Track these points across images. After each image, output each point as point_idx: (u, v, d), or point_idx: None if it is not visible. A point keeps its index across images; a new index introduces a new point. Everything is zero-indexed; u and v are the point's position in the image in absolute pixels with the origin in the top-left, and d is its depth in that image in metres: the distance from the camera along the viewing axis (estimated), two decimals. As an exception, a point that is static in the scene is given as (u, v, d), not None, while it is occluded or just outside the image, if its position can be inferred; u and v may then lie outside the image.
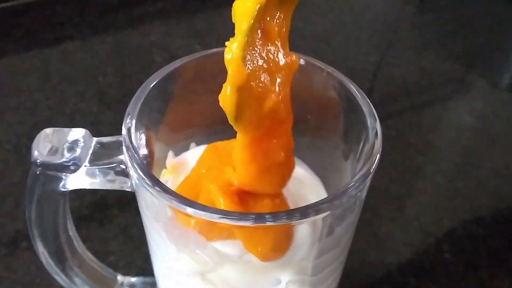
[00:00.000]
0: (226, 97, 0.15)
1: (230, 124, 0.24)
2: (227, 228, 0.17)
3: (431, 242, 0.35)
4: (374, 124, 0.19)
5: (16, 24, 0.54)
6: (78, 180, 0.19)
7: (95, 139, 0.19)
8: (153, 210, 0.18)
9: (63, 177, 0.18)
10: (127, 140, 0.17)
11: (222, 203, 0.18)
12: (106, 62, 0.49)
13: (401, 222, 0.36)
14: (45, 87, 0.46)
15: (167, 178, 0.22)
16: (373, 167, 0.18)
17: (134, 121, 0.18)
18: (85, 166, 0.18)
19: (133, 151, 0.17)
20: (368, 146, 0.19)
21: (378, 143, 0.18)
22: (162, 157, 0.22)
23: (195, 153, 0.22)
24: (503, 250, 0.35)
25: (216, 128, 0.23)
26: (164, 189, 0.16)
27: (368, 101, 0.19)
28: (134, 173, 0.16)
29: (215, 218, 0.15)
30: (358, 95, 0.20)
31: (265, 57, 0.17)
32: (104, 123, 0.43)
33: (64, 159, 0.18)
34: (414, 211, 0.37)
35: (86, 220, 0.36)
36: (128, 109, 0.18)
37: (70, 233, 0.22)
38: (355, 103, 0.20)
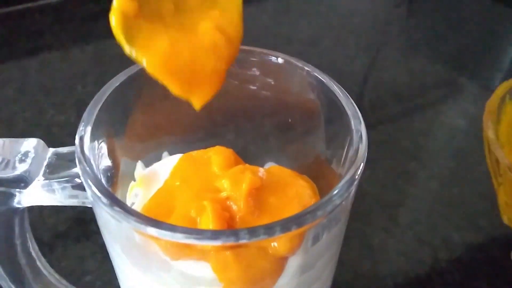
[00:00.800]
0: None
1: (207, 132, 0.22)
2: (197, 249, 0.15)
3: (427, 251, 0.33)
4: (358, 127, 0.17)
5: (-7, 34, 0.52)
6: (34, 195, 0.17)
7: (51, 149, 0.17)
8: (111, 230, 0.16)
9: (16, 193, 0.17)
10: (79, 151, 0.15)
11: (211, 222, 0.16)
12: (85, 72, 0.48)
13: (395, 231, 0.35)
14: (22, 98, 0.44)
15: (137, 191, 0.20)
16: (358, 172, 0.16)
17: (89, 129, 0.16)
18: (38, 180, 0.16)
19: (85, 164, 0.15)
20: (353, 151, 0.17)
21: (363, 147, 0.16)
22: (130, 168, 0.20)
23: (168, 163, 0.21)
24: (502, 257, 0.33)
25: (192, 136, 0.22)
26: (122, 208, 0.14)
27: (352, 101, 0.18)
28: (88, 189, 0.15)
29: (180, 238, 0.13)
30: (341, 95, 0.18)
31: None
32: (83, 134, 0.41)
33: (15, 173, 0.16)
34: (408, 219, 0.36)
35: (62, 237, 0.34)
36: (84, 115, 0.16)
37: (33, 254, 0.20)
38: (338, 104, 0.18)
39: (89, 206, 0.17)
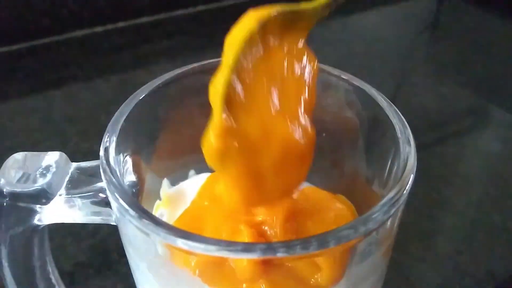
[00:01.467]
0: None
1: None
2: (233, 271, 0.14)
3: (470, 283, 0.31)
4: (405, 141, 0.15)
5: (20, 66, 0.53)
6: (55, 212, 0.16)
7: (73, 164, 0.16)
8: (137, 247, 0.14)
9: (37, 209, 0.15)
10: (104, 162, 0.14)
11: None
12: (109, 101, 0.48)
13: (434, 262, 0.32)
14: (47, 127, 0.44)
15: (162, 211, 0.19)
16: (406, 188, 0.15)
17: (114, 139, 0.15)
18: (60, 195, 0.15)
19: (111, 175, 0.14)
20: (398, 166, 0.15)
21: (412, 161, 0.15)
22: (156, 186, 0.19)
23: (194, 183, 0.19)
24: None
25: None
26: (151, 219, 0.13)
27: (398, 111, 0.16)
28: (114, 202, 0.13)
29: (212, 251, 0.12)
30: (385, 103, 0.17)
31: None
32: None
33: (36, 187, 0.15)
34: (447, 249, 0.33)
35: (83, 267, 0.32)
36: (109, 126, 0.15)
37: (52, 280, 0.19)
38: (381, 115, 0.17)
39: (113, 223, 0.16)
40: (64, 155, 0.16)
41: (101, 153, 0.15)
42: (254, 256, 0.12)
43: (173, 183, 0.20)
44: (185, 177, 0.20)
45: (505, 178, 0.39)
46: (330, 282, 0.16)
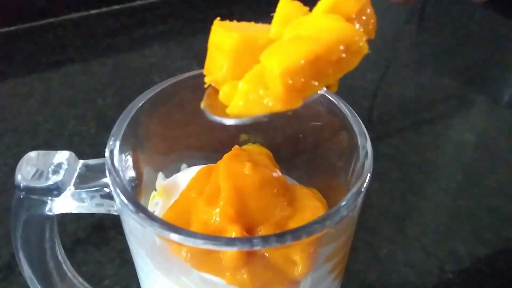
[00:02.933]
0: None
1: (224, 146, 0.23)
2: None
3: (433, 262, 0.34)
4: (364, 143, 0.18)
5: (18, 48, 0.54)
6: (64, 204, 0.19)
7: (81, 161, 0.19)
8: (137, 235, 0.17)
9: (48, 201, 0.18)
10: (110, 163, 0.17)
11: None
12: (106, 85, 0.50)
13: (402, 243, 0.36)
14: (45, 109, 0.46)
15: (157, 200, 0.22)
16: (364, 186, 0.18)
17: (118, 143, 0.18)
18: (69, 189, 0.18)
19: (115, 174, 0.16)
20: (359, 165, 0.18)
21: (369, 162, 0.18)
22: (152, 179, 0.22)
23: (186, 175, 0.22)
24: (508, 270, 0.34)
25: (210, 150, 0.23)
26: (147, 214, 0.16)
27: (359, 119, 0.19)
28: (117, 198, 0.16)
29: (199, 244, 0.15)
30: (349, 114, 0.19)
31: None
32: (103, 145, 0.42)
33: (48, 183, 0.17)
34: (415, 231, 0.37)
35: (82, 243, 0.35)
36: (113, 131, 0.18)
37: (59, 258, 0.22)
38: (345, 121, 0.19)
39: (115, 213, 0.19)
40: (73, 154, 0.18)
41: (107, 154, 0.17)
42: (234, 249, 0.15)
43: (167, 175, 0.23)
44: (178, 170, 0.23)
45: (474, 166, 0.43)
46: (304, 274, 0.19)
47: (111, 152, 0.17)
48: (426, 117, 0.47)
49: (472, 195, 0.39)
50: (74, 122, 0.45)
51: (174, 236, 0.15)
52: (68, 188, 0.18)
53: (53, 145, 0.42)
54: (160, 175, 0.22)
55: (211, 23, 0.19)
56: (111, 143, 0.18)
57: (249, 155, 0.22)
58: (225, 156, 0.21)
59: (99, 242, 0.35)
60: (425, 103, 0.49)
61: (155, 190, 0.22)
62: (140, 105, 0.19)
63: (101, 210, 0.19)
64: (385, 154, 0.43)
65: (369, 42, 0.58)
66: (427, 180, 0.41)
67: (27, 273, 0.20)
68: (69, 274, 0.23)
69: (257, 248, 0.15)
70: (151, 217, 0.15)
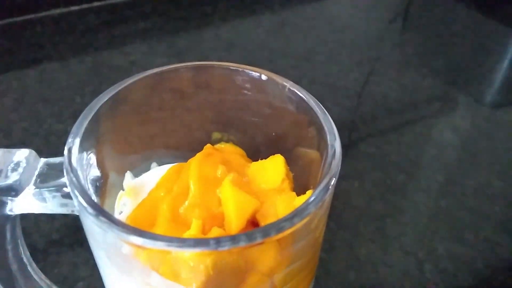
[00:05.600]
0: None
1: (196, 145, 0.23)
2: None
3: (412, 262, 0.34)
4: (333, 142, 0.18)
5: (-6, 45, 0.53)
6: (26, 203, 0.18)
7: (42, 159, 0.18)
8: (96, 238, 0.17)
9: (8, 201, 0.17)
10: (67, 162, 0.16)
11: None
12: (84, 82, 0.49)
13: (382, 242, 0.35)
14: (21, 108, 0.45)
15: (125, 200, 0.21)
16: (332, 182, 0.17)
17: (77, 141, 0.17)
18: (29, 188, 0.17)
19: (71, 174, 0.16)
20: (328, 163, 0.18)
21: (336, 162, 0.17)
22: (120, 178, 0.21)
23: (155, 174, 0.22)
24: (486, 269, 0.34)
25: (181, 149, 0.23)
26: (105, 216, 0.15)
27: (329, 118, 0.19)
28: (74, 198, 0.16)
29: (162, 246, 0.14)
30: (319, 111, 0.19)
31: None
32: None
33: (7, 182, 0.17)
34: (394, 231, 0.36)
35: (56, 244, 0.34)
36: (73, 128, 0.17)
37: (24, 259, 0.21)
38: (316, 119, 0.19)
39: (77, 214, 0.18)
40: (33, 152, 0.18)
41: (65, 153, 0.17)
42: (202, 250, 0.14)
43: (136, 174, 0.22)
44: (147, 169, 0.23)
45: (455, 166, 0.42)
46: (272, 274, 0.18)
47: (69, 150, 0.17)
48: (408, 117, 0.47)
49: (452, 195, 0.39)
50: (51, 120, 0.44)
51: (135, 239, 0.14)
52: (27, 188, 0.17)
53: (28, 144, 0.41)
54: (128, 174, 0.22)
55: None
56: (70, 140, 0.17)
57: (222, 155, 0.22)
58: (198, 155, 0.21)
59: (73, 243, 0.34)
60: (408, 103, 0.49)
61: (123, 190, 0.21)
62: (103, 101, 0.18)
63: (64, 211, 0.18)
64: (365, 153, 0.43)
65: (353, 41, 0.58)
66: (408, 180, 0.41)
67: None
68: (35, 277, 0.22)
69: (224, 248, 0.15)
70: (111, 220, 0.15)
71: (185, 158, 0.22)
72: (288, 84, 0.20)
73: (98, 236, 0.16)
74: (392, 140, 0.44)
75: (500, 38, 0.62)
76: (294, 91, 0.20)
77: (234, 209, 0.18)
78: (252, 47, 0.52)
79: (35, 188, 0.17)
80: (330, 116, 0.19)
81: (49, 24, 0.57)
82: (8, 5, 0.55)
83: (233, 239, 0.15)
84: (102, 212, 0.15)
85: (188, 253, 0.15)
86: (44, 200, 0.18)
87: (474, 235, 0.36)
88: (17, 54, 0.52)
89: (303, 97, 0.20)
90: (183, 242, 0.15)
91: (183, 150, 0.22)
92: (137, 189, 0.21)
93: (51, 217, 0.36)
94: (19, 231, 0.20)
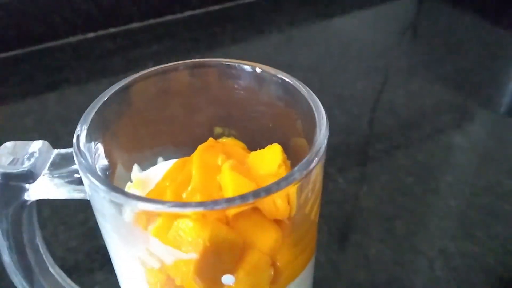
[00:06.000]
0: None
1: (199, 140, 0.24)
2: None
3: (422, 260, 0.34)
4: (321, 120, 0.19)
5: (16, 71, 0.56)
6: (41, 190, 0.19)
7: (55, 150, 0.19)
8: (103, 211, 0.18)
9: (25, 186, 0.19)
10: (76, 147, 0.18)
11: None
12: (100, 102, 0.51)
13: (392, 242, 0.36)
14: (41, 127, 0.48)
15: (133, 191, 0.22)
16: (319, 151, 0.18)
17: (85, 128, 0.18)
18: (43, 175, 0.19)
19: (80, 157, 0.17)
20: (315, 141, 0.19)
21: (322, 136, 0.18)
22: (128, 169, 0.22)
23: (162, 168, 0.23)
24: (497, 267, 0.34)
25: (186, 144, 0.24)
26: (114, 189, 0.16)
27: (317, 99, 0.20)
28: (84, 178, 0.17)
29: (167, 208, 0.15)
30: (306, 93, 0.20)
31: None
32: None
33: (23, 168, 0.18)
34: (404, 231, 0.37)
35: (73, 251, 0.36)
36: (82, 118, 0.19)
37: (40, 250, 0.22)
38: (305, 102, 0.20)
39: (88, 199, 0.19)
40: (46, 143, 0.19)
41: (74, 139, 0.18)
42: (199, 209, 0.15)
43: (144, 168, 0.23)
44: (154, 163, 0.24)
45: (463, 167, 0.43)
46: (276, 250, 0.19)
47: (78, 137, 0.18)
48: (415, 121, 0.48)
49: (461, 195, 0.40)
50: (68, 138, 0.46)
51: (141, 205, 0.15)
52: (42, 174, 0.19)
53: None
54: (136, 167, 0.23)
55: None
56: (78, 128, 0.18)
57: (223, 147, 0.23)
58: (200, 147, 0.22)
59: (89, 250, 0.36)
60: (415, 108, 0.50)
61: (131, 182, 0.23)
62: (113, 92, 0.20)
63: (76, 196, 0.19)
64: (374, 157, 0.43)
65: (359, 52, 0.59)
66: (417, 182, 0.41)
67: (5, 258, 0.21)
68: (50, 269, 0.23)
69: (220, 206, 0.16)
70: (118, 190, 0.16)
71: (190, 154, 0.23)
72: (281, 75, 0.21)
73: (104, 209, 0.17)
74: (400, 143, 0.45)
75: (507, 45, 0.62)
76: (287, 81, 0.21)
77: (232, 191, 0.19)
78: (260, 62, 0.54)
79: (49, 175, 0.19)
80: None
81: (68, 51, 0.60)
82: (29, 34, 0.58)
83: (228, 200, 0.16)
84: (111, 186, 0.16)
85: (189, 214, 0.16)
86: (57, 186, 0.19)
87: (485, 232, 0.36)
88: (38, 78, 0.55)
89: (297, 87, 0.21)
90: (184, 205, 0.16)
91: (188, 146, 0.23)
92: (144, 182, 0.22)
93: (69, 227, 0.37)
94: (35, 221, 0.21)
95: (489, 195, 0.40)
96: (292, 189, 0.17)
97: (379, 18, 0.69)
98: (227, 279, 0.18)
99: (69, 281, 0.24)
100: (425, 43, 0.63)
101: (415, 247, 0.35)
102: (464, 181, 0.41)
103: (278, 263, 0.19)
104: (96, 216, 0.19)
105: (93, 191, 0.17)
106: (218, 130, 0.24)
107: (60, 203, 0.39)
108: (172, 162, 0.23)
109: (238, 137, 0.24)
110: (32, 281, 0.21)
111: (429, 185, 0.41)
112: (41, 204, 0.39)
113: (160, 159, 0.24)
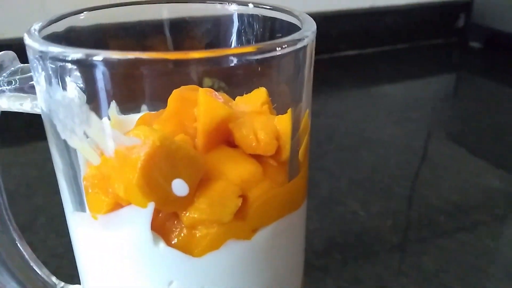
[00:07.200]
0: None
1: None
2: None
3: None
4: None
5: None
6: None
7: (21, 64, 0.18)
8: (51, 95, 0.16)
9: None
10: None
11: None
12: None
13: (417, 277, 0.30)
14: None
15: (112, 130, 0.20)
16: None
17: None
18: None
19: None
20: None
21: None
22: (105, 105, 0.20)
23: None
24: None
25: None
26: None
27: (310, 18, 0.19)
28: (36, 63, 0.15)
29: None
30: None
31: None
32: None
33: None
34: (434, 268, 0.31)
35: (57, 257, 0.33)
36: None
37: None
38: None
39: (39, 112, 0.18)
40: (13, 54, 0.18)
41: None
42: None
43: (123, 112, 0.21)
44: (138, 110, 0.22)
45: (500, 207, 0.37)
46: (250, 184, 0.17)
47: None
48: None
49: (500, 235, 0.34)
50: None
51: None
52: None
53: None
54: (113, 104, 0.21)
55: None
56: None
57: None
58: (183, 86, 0.20)
59: (74, 258, 0.33)
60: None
61: (108, 118, 0.20)
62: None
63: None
64: (401, 195, 0.39)
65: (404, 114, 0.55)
66: (449, 220, 0.36)
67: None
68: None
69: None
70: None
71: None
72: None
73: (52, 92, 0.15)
74: (427, 180, 0.41)
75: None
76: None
77: (203, 110, 0.17)
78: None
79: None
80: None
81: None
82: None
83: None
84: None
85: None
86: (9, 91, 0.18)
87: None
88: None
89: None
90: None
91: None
92: (123, 124, 0.20)
93: (60, 235, 0.35)
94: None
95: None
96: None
97: (420, 89, 0.67)
98: (179, 186, 0.15)
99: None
100: (464, 109, 0.59)
101: (446, 284, 0.30)
102: (501, 221, 0.36)
103: (249, 196, 0.16)
104: (55, 123, 0.17)
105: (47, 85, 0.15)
106: (207, 81, 0.22)
107: (58, 213, 0.37)
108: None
109: (228, 92, 0.22)
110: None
111: (463, 223, 0.36)
112: (38, 211, 0.37)
113: (144, 107, 0.22)
